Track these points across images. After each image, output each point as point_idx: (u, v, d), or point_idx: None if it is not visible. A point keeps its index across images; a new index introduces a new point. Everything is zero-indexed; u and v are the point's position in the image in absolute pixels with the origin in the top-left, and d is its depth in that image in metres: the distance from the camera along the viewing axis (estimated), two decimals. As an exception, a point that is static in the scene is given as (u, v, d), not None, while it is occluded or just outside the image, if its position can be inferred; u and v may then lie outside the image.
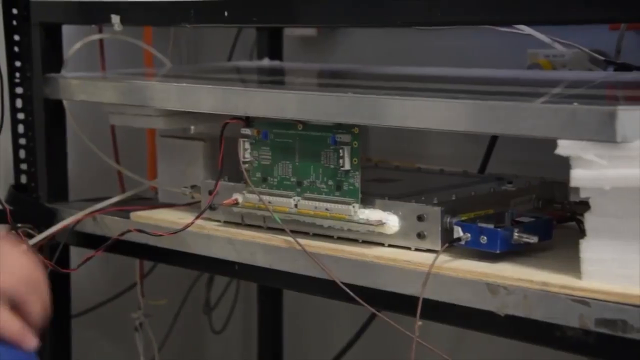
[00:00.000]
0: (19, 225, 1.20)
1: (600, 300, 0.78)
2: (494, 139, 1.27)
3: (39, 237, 1.19)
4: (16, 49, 1.25)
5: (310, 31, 1.57)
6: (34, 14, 1.25)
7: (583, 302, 0.79)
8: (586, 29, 1.18)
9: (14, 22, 1.25)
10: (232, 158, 1.04)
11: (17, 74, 1.29)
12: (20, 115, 1.30)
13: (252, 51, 1.60)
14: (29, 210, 1.25)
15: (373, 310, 0.92)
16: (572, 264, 0.83)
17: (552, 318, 0.81)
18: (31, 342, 0.51)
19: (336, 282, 0.93)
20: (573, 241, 0.84)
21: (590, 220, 0.81)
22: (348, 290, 0.92)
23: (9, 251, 0.51)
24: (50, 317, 0.51)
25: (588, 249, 0.81)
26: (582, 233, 0.82)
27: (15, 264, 0.50)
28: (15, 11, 1.24)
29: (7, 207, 1.18)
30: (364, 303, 0.91)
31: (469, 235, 0.89)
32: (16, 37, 1.25)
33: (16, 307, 0.50)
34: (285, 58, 1.56)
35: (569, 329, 0.80)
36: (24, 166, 1.30)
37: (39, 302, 0.51)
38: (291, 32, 1.58)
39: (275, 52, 1.55)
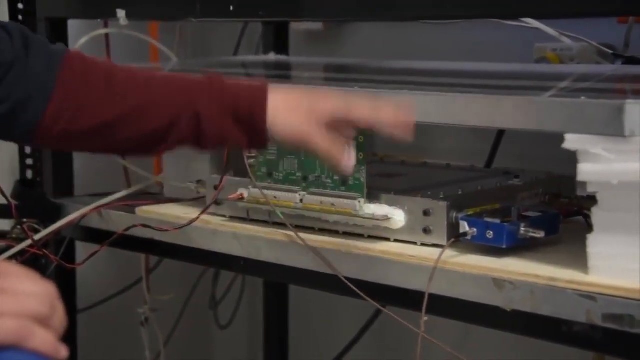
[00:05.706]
0: (25, 220, 1.20)
1: (608, 296, 0.77)
2: (500, 133, 1.26)
3: (44, 232, 1.19)
4: (22, 43, 1.24)
5: (316, 25, 1.57)
6: (40, 9, 1.25)
7: (590, 297, 0.78)
8: (594, 22, 1.17)
9: (20, 17, 1.25)
10: (238, 153, 1.03)
11: (23, 69, 1.29)
12: (26, 110, 1.30)
13: (258, 46, 1.60)
14: (35, 205, 1.25)
15: (377, 305, 0.92)
16: (579, 259, 0.82)
17: (558, 313, 0.80)
18: (63, 352, 0.58)
19: (340, 277, 0.92)
20: (580, 236, 0.83)
21: (597, 214, 0.80)
22: (352, 286, 0.91)
23: (24, 278, 0.56)
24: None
25: (595, 243, 0.81)
26: (589, 228, 0.82)
27: (33, 288, 0.57)
28: (20, 6, 1.25)
29: (13, 202, 1.18)
30: (368, 298, 0.91)
31: (475, 230, 0.88)
32: (22, 32, 1.25)
33: (42, 325, 0.57)
34: (291, 53, 1.56)
35: (575, 324, 0.79)
36: (29, 161, 1.30)
37: (58, 318, 0.58)
38: (297, 27, 1.57)
39: (281, 46, 1.55)
